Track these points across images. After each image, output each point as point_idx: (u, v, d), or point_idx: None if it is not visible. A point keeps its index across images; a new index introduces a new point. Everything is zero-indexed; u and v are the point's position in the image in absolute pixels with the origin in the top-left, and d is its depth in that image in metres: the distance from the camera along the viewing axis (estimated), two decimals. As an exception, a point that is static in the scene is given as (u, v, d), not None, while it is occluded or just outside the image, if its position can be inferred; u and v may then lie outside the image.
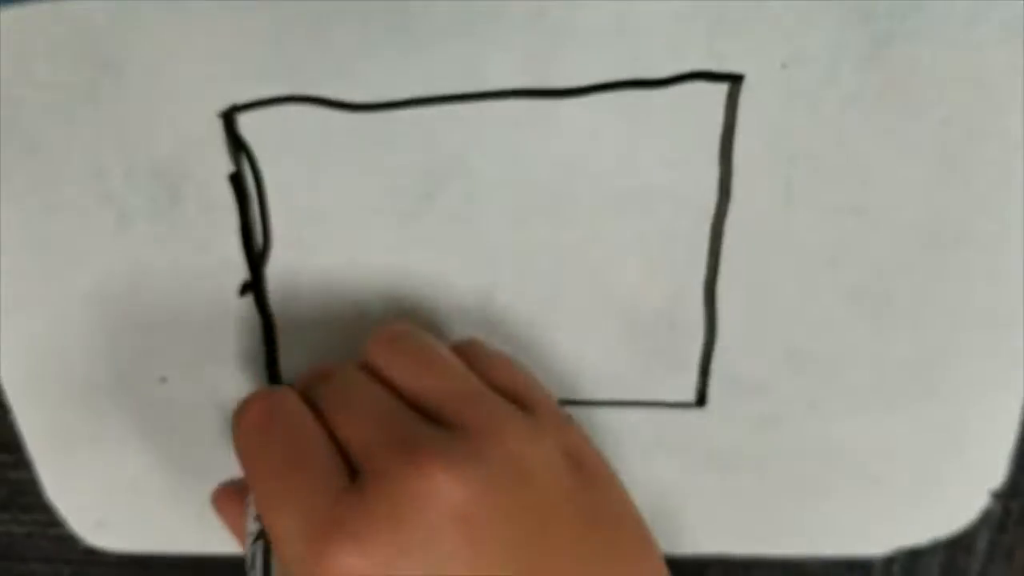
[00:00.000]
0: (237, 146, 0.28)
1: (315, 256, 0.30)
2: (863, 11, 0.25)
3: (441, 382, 0.24)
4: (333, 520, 0.21)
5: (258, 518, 0.26)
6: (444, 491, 0.21)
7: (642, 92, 0.26)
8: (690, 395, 0.32)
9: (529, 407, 0.25)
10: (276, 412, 0.24)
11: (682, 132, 0.27)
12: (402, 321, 0.27)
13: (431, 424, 0.23)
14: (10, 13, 0.25)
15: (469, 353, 0.26)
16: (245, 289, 0.30)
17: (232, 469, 0.33)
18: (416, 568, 0.21)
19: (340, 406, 0.24)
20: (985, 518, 0.34)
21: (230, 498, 0.31)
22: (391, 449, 0.22)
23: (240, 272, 0.30)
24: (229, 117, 0.27)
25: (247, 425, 0.25)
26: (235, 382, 0.32)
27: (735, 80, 0.26)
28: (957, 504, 0.34)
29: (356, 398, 0.24)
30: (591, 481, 0.24)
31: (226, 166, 0.28)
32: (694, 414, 0.32)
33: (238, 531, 0.30)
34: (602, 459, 0.25)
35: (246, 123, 0.27)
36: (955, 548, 0.34)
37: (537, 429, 0.24)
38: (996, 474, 0.33)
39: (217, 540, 0.35)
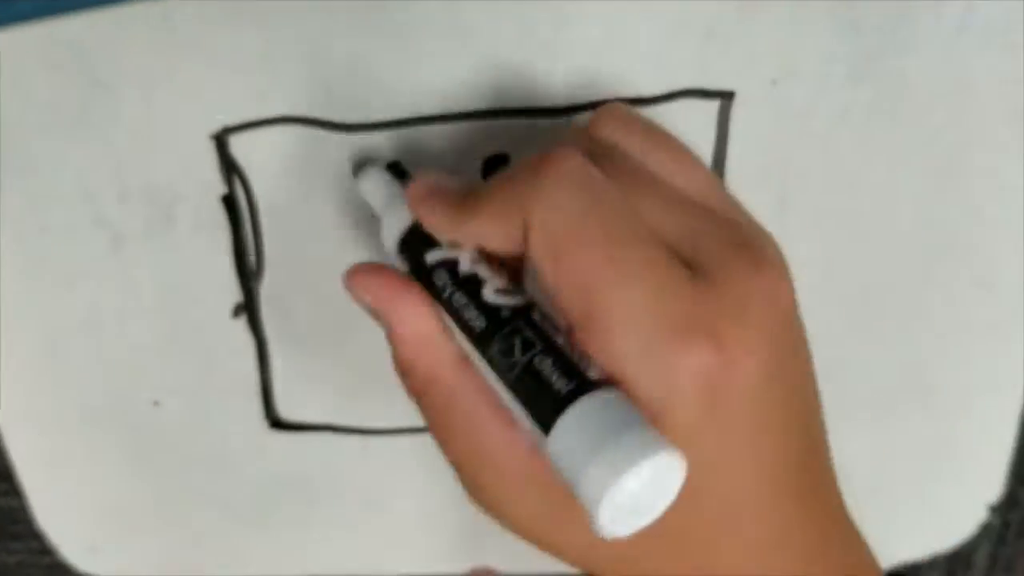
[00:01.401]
0: (230, 167, 0.28)
1: (308, 277, 0.29)
2: (852, 25, 0.25)
3: (702, 182, 0.23)
4: (690, 313, 0.20)
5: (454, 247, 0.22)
6: (784, 295, 0.21)
7: (635, 109, 0.27)
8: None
9: None
10: (595, 176, 0.21)
11: (674, 148, 0.27)
12: (617, 103, 0.25)
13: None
14: (3, 35, 0.25)
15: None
16: (239, 310, 0.30)
17: (227, 494, 0.33)
18: (760, 366, 0.20)
19: (641, 192, 0.21)
20: (984, 531, 0.34)
21: (392, 285, 0.23)
22: (732, 248, 0.21)
23: (233, 293, 0.30)
24: (221, 139, 0.27)
25: (565, 176, 0.21)
26: (228, 405, 0.32)
27: (726, 96, 0.26)
28: (955, 518, 0.34)
29: (655, 187, 0.22)
30: None
31: (219, 187, 0.28)
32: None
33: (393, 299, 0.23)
34: None
35: (238, 144, 0.27)
36: (955, 562, 0.34)
37: None
38: (994, 487, 0.33)
39: (210, 565, 0.35)
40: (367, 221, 0.28)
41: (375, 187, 0.25)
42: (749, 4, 0.25)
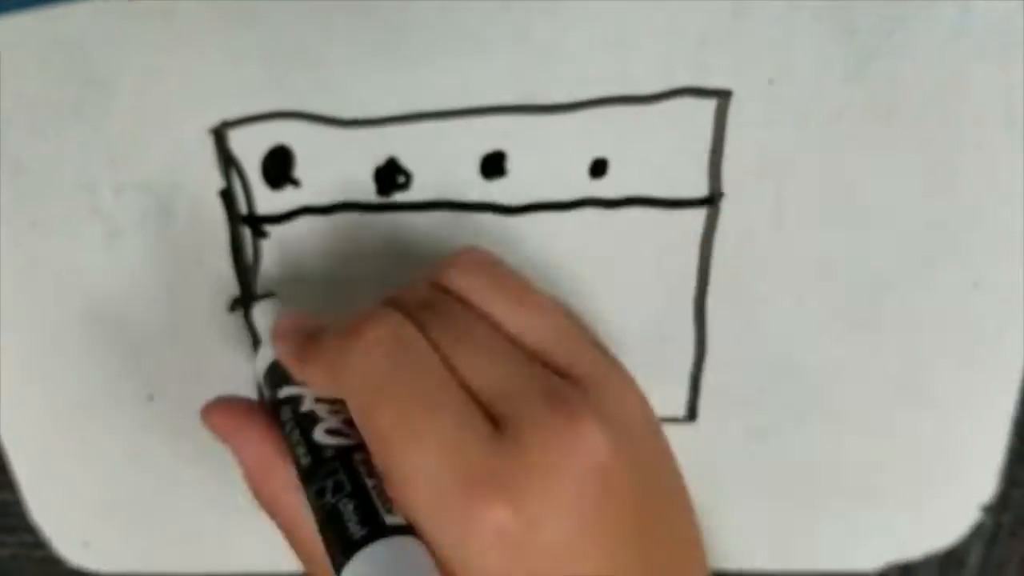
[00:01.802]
0: (228, 162, 0.28)
1: (305, 271, 0.29)
2: (849, 27, 0.25)
3: (543, 321, 0.23)
4: (486, 469, 0.20)
5: (317, 399, 0.23)
6: (592, 444, 0.20)
7: (630, 108, 0.27)
8: (681, 410, 0.32)
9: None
10: (403, 338, 0.22)
11: (671, 147, 0.27)
12: (474, 246, 0.25)
13: (553, 372, 0.22)
14: None
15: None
16: (235, 305, 0.30)
17: (220, 488, 0.33)
18: (562, 522, 0.20)
19: (457, 343, 0.22)
20: (977, 532, 0.34)
21: (237, 416, 0.25)
22: (536, 399, 0.21)
23: (230, 288, 0.30)
24: (220, 133, 0.27)
25: (373, 344, 0.22)
26: (224, 400, 0.32)
27: (723, 96, 0.26)
28: (948, 518, 0.34)
29: (473, 336, 0.22)
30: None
31: (216, 182, 0.28)
32: (685, 428, 0.32)
33: (252, 458, 0.25)
34: None
35: (237, 139, 0.27)
36: (947, 562, 0.34)
37: (634, 380, 0.23)
38: (987, 488, 0.33)
39: (204, 560, 0.34)
40: (362, 218, 0.28)
41: (262, 317, 0.27)
42: (745, 4, 0.25)
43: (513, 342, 0.23)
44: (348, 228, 0.29)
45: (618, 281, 0.30)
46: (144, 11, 0.25)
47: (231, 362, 0.31)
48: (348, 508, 0.20)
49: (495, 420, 0.21)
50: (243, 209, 0.28)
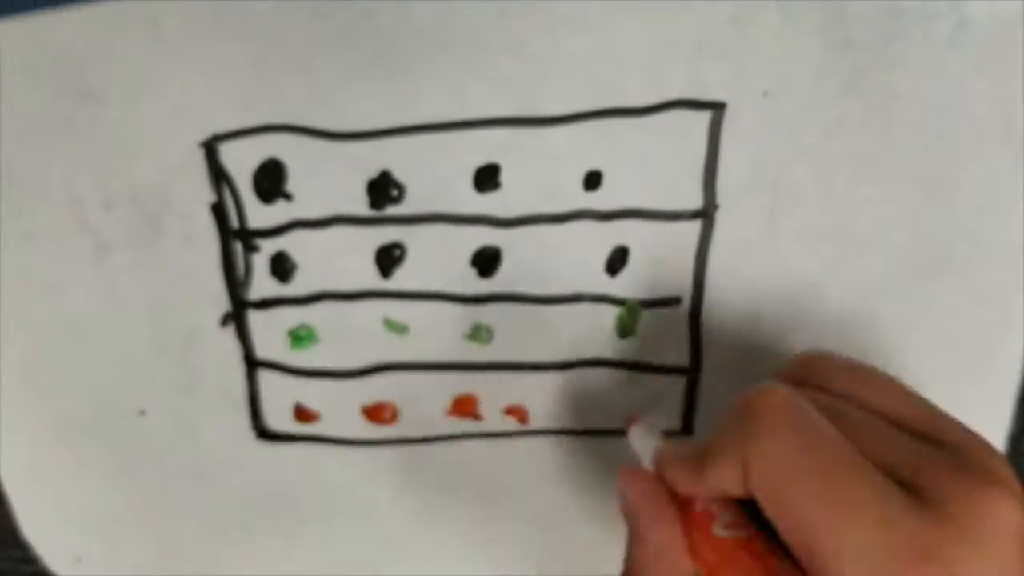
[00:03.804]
0: (219, 175, 0.27)
1: (297, 286, 0.29)
2: (844, 40, 0.25)
3: (902, 397, 0.24)
4: (918, 540, 0.20)
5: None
6: (1009, 508, 0.21)
7: (625, 120, 0.27)
8: (676, 424, 0.32)
9: None
10: (803, 409, 0.22)
11: (665, 159, 0.27)
12: (824, 351, 0.26)
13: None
14: (-12, 42, 0.25)
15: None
16: (226, 320, 0.30)
17: (211, 504, 0.33)
18: None
19: (845, 423, 0.22)
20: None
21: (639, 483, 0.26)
22: (955, 471, 0.21)
23: (221, 303, 0.29)
24: (211, 146, 0.27)
25: (779, 408, 0.22)
26: (215, 415, 0.31)
27: (718, 108, 0.26)
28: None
29: (854, 416, 0.23)
30: None
31: (207, 195, 0.28)
32: (680, 443, 0.32)
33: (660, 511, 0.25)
34: None
35: (228, 152, 0.27)
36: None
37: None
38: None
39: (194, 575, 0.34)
40: (354, 231, 0.28)
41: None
42: (741, 17, 0.25)
43: (887, 419, 0.23)
44: (340, 242, 0.29)
45: (612, 294, 0.29)
46: (136, 21, 0.25)
47: (222, 377, 0.31)
48: None
49: (911, 494, 0.21)
50: (234, 223, 0.28)
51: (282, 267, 0.29)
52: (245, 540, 0.34)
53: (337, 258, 0.29)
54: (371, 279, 0.29)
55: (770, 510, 0.21)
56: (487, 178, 0.28)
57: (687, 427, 0.32)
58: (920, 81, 0.26)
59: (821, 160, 0.27)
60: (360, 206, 0.28)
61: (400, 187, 0.28)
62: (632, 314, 0.30)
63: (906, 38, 0.25)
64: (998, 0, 0.25)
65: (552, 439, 0.32)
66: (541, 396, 0.31)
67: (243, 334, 0.30)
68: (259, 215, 0.28)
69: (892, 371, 0.30)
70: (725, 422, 0.23)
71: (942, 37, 0.25)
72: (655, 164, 0.27)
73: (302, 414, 0.32)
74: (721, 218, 0.28)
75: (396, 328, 0.30)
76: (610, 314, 0.30)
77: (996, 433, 0.31)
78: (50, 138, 0.26)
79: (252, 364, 0.31)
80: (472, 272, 0.29)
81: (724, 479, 0.23)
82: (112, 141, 0.26)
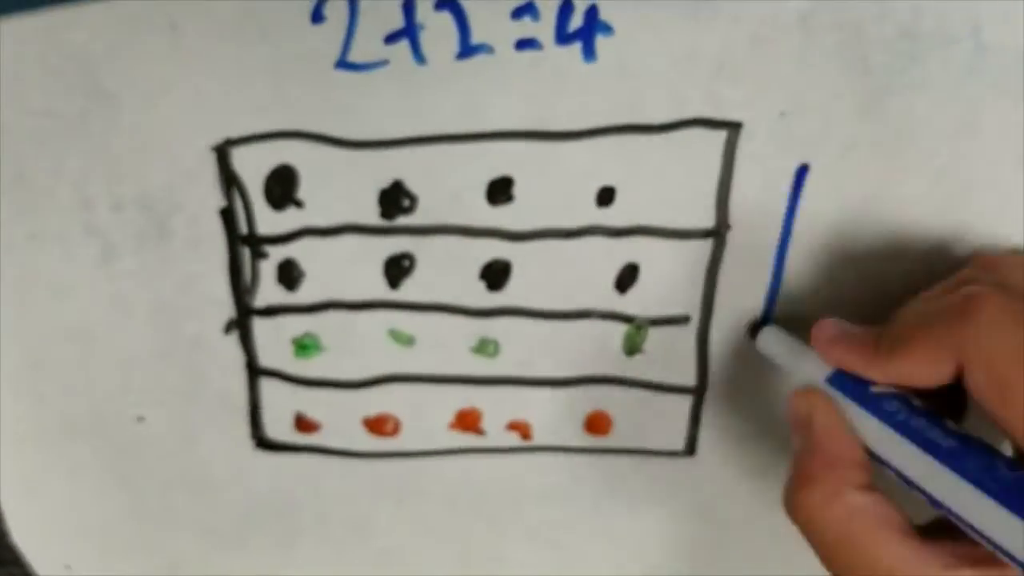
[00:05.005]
0: (230, 180, 0.27)
1: (304, 295, 0.29)
2: (862, 63, 0.25)
3: None
4: None
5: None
6: None
7: (640, 137, 0.26)
8: (680, 444, 0.31)
9: None
10: (1020, 309, 0.23)
11: (679, 177, 0.27)
12: (1003, 249, 0.27)
13: None
14: (4, 41, 0.24)
15: None
16: (231, 326, 0.29)
17: (206, 514, 0.32)
18: None
19: None
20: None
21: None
22: None
23: (226, 309, 0.29)
24: (223, 151, 0.27)
25: (1001, 310, 0.22)
26: (214, 423, 0.31)
27: (734, 127, 0.26)
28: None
29: None
30: None
31: (217, 200, 0.27)
32: (684, 463, 0.32)
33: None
34: None
35: (240, 157, 0.27)
36: None
37: None
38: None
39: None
40: (365, 240, 0.28)
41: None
42: (762, 37, 0.25)
43: None
44: (350, 251, 0.28)
45: (621, 310, 0.29)
46: (152, 23, 0.24)
47: (223, 385, 0.30)
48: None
49: None
50: (243, 229, 0.28)
51: (289, 275, 0.29)
52: (240, 551, 0.33)
53: (346, 267, 0.28)
54: (379, 289, 0.29)
55: (993, 401, 0.22)
56: (500, 191, 0.27)
57: (690, 448, 0.31)
58: (936, 105, 0.26)
59: (836, 182, 0.27)
60: (371, 215, 0.28)
61: (412, 197, 0.27)
62: (640, 332, 0.30)
63: (923, 62, 0.25)
64: (1016, 26, 0.25)
65: (554, 456, 0.32)
66: (545, 412, 0.31)
67: (247, 341, 0.30)
68: (269, 221, 0.28)
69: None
70: (927, 314, 0.24)
71: (959, 62, 0.25)
72: (669, 182, 0.27)
73: (303, 424, 0.31)
74: (733, 238, 0.28)
75: (402, 339, 0.30)
76: (618, 331, 0.30)
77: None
78: (62, 137, 0.26)
79: (254, 372, 0.30)
80: (481, 285, 0.29)
81: (919, 368, 0.23)
82: (125, 142, 0.26)
